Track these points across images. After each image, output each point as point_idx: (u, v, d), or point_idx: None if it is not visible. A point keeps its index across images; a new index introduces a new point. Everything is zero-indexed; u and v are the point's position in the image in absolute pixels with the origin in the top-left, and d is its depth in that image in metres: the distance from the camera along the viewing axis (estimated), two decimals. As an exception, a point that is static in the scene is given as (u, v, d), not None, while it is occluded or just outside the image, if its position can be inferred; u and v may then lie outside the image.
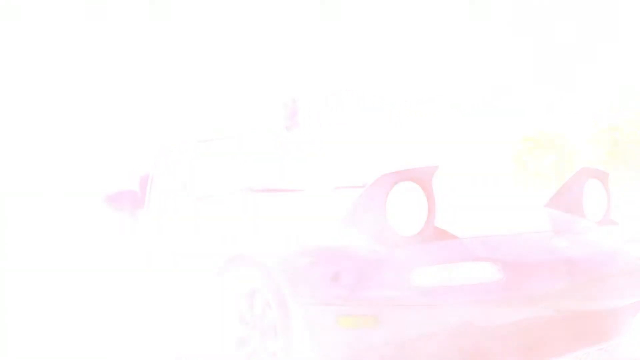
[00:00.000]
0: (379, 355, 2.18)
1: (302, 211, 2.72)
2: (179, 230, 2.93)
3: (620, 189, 6.28)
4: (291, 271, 2.27)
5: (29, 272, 3.89)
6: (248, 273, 2.47)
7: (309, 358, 2.26)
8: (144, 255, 3.13)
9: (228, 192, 3.14)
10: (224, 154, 3.60)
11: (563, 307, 2.29)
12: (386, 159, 3.72)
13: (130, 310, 3.39)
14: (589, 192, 2.86)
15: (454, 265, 2.15)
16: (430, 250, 2.19)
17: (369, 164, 3.70)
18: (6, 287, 3.61)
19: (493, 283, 2.15)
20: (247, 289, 2.55)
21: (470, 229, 2.38)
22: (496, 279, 2.16)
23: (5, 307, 3.58)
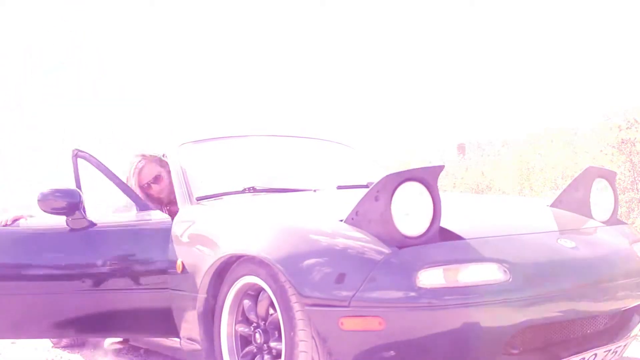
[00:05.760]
0: (384, 358, 2.16)
1: (306, 211, 2.69)
2: (183, 229, 2.91)
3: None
4: (295, 272, 2.24)
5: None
6: (253, 273, 2.45)
7: (313, 360, 2.24)
8: (148, 254, 3.11)
9: (231, 192, 3.13)
10: (225, 154, 3.59)
11: (570, 308, 2.26)
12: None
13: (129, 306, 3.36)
14: (596, 192, 2.83)
15: (460, 266, 2.12)
16: (436, 251, 2.16)
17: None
18: None
19: (500, 284, 2.12)
20: (252, 289, 2.53)
21: (476, 229, 2.35)
22: (503, 280, 2.13)
23: None
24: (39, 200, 3.04)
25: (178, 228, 2.93)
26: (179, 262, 2.80)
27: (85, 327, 3.20)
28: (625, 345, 2.49)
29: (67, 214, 3.07)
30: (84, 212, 3.11)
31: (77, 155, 3.27)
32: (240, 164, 3.54)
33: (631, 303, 2.45)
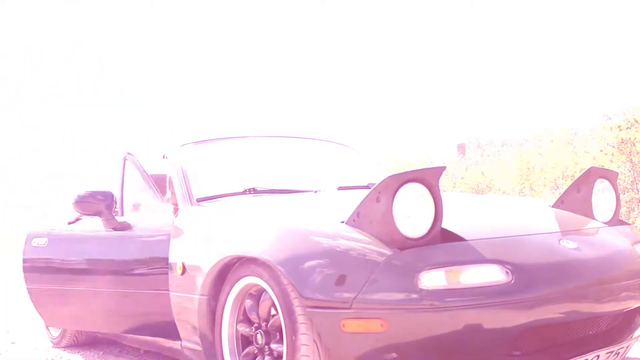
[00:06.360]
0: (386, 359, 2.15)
1: (307, 212, 2.69)
2: (185, 231, 2.91)
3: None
4: (296, 273, 2.24)
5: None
6: (254, 274, 2.44)
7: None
8: (150, 254, 3.11)
9: (232, 193, 3.12)
10: (226, 155, 3.58)
11: (572, 309, 2.25)
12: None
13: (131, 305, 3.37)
14: (597, 192, 2.83)
15: (462, 267, 2.12)
16: (438, 253, 2.16)
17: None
18: None
19: (502, 285, 2.11)
20: (254, 289, 2.52)
21: (477, 230, 2.34)
22: (505, 281, 2.12)
23: None
24: (75, 202, 3.16)
25: (179, 229, 2.92)
26: (179, 264, 2.80)
27: (101, 323, 3.43)
28: (627, 347, 2.48)
29: (99, 215, 3.20)
30: (121, 212, 3.27)
31: (126, 158, 3.39)
32: (241, 165, 3.53)
33: (634, 304, 2.44)
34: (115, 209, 3.33)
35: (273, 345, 2.44)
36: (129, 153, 3.44)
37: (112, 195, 3.20)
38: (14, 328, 5.09)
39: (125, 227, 3.21)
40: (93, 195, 3.17)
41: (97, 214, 3.20)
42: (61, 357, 3.94)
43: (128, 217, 3.27)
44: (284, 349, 2.32)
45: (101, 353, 3.99)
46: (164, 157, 3.40)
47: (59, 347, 4.21)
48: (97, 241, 3.35)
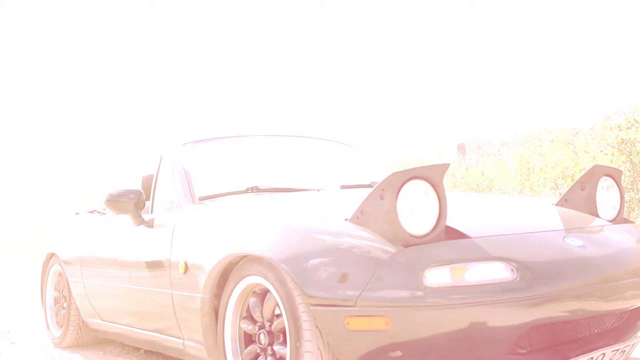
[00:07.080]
0: (390, 358, 2.14)
1: (310, 210, 2.68)
2: (187, 230, 2.90)
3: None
4: (300, 271, 2.22)
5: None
6: (258, 274, 2.43)
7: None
8: (149, 254, 3.10)
9: (234, 192, 3.11)
10: (228, 154, 3.57)
11: (577, 307, 2.24)
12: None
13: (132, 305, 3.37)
14: (601, 190, 2.82)
15: (467, 265, 2.10)
16: (442, 250, 2.14)
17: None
18: None
19: (507, 282, 2.10)
20: (258, 288, 2.51)
21: (482, 228, 2.33)
22: (510, 279, 2.11)
23: None
24: (106, 200, 3.17)
25: (181, 228, 2.91)
26: (182, 263, 2.78)
27: (118, 317, 3.53)
28: (633, 345, 2.47)
29: (127, 213, 3.21)
30: (151, 209, 3.26)
31: (161, 158, 3.39)
32: (243, 164, 3.52)
33: (638, 302, 2.43)
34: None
35: (276, 347, 2.42)
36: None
37: (141, 194, 3.20)
38: (14, 328, 5.08)
39: (142, 223, 3.21)
40: (126, 194, 3.16)
41: (126, 212, 3.20)
42: (61, 357, 3.93)
43: (156, 214, 3.23)
44: (287, 350, 2.30)
45: (101, 353, 3.98)
46: (160, 158, 3.38)
47: (59, 347, 4.20)
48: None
